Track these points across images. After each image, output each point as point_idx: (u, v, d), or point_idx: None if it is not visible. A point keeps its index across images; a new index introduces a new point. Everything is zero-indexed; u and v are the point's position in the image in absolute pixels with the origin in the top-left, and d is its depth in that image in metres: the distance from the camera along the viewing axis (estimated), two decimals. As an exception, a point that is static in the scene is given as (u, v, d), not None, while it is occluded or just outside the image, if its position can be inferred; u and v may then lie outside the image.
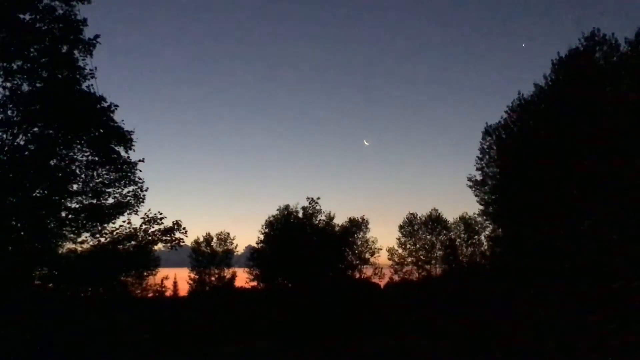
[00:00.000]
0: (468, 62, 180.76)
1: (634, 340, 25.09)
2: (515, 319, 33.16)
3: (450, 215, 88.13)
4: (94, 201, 22.81)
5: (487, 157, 41.16)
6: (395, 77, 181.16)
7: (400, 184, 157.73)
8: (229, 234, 69.55)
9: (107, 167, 22.61)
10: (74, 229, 22.55)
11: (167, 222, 23.70)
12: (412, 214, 64.57)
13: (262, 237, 58.20)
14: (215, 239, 69.33)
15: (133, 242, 23.49)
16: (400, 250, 63.66)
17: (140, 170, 23.22)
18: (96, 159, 22.36)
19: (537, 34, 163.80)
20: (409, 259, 63.62)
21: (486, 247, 57.48)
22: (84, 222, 22.55)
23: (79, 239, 22.89)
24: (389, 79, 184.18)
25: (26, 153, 20.88)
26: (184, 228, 23.84)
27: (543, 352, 29.24)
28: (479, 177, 42.17)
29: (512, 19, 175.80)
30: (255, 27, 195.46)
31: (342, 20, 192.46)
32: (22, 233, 21.50)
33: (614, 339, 25.92)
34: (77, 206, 22.61)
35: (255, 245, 59.56)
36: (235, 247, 69.45)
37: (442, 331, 42.23)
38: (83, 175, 22.44)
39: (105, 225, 23.01)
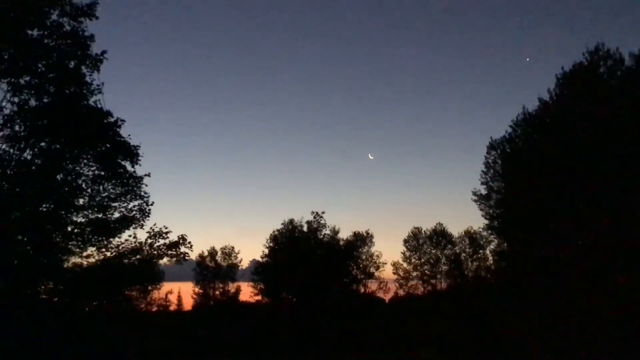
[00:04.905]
0: (473, 77, 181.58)
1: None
2: (521, 334, 32.95)
3: (455, 229, 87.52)
4: (100, 215, 22.83)
5: (492, 171, 41.12)
6: (399, 92, 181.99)
7: (405, 198, 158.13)
8: (233, 248, 69.62)
9: (113, 181, 22.64)
10: (79, 243, 22.57)
11: (173, 237, 23.71)
12: (417, 228, 64.59)
13: (266, 251, 58.30)
14: (219, 253, 69.33)
15: (138, 256, 23.46)
16: (405, 265, 63.63)
17: (146, 185, 23.27)
18: (102, 173, 22.40)
19: (542, 48, 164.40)
20: (414, 274, 63.55)
21: (491, 262, 57.33)
22: (90, 236, 22.57)
23: (85, 253, 22.88)
24: (393, 93, 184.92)
25: (33, 168, 20.97)
26: (189, 242, 23.82)
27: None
28: (483, 191, 42.09)
29: (516, 34, 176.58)
30: (261, 43, 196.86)
31: (346, 34, 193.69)
32: (28, 247, 21.54)
33: (621, 354, 25.76)
34: (83, 220, 22.64)
35: (260, 259, 59.63)
36: (240, 261, 69.46)
37: (448, 346, 41.97)
38: (89, 190, 22.48)
39: (111, 239, 23.01)
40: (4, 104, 20.37)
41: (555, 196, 31.35)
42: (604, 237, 29.61)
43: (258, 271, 59.38)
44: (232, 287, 68.90)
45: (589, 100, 31.18)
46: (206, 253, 68.91)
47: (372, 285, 61.93)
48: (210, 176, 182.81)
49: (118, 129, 22.01)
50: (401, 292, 63.34)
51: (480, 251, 61.59)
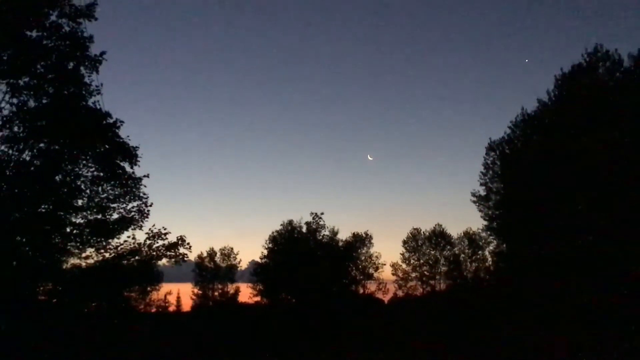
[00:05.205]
0: (472, 78, 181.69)
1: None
2: (520, 335, 32.97)
3: (454, 230, 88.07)
4: (99, 216, 22.83)
5: (490, 172, 41.20)
6: (398, 93, 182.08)
7: (404, 199, 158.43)
8: (232, 249, 69.49)
9: (112, 182, 22.65)
10: (78, 244, 22.57)
11: (172, 237, 23.71)
12: (416, 229, 64.44)
13: (265, 252, 58.18)
14: (218, 254, 69.25)
15: (137, 257, 23.45)
16: (404, 266, 63.48)
17: (145, 186, 23.28)
18: (101, 174, 22.41)
19: (541, 49, 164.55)
20: (413, 275, 63.42)
21: (490, 263, 57.31)
22: (89, 237, 22.56)
23: (84, 254, 22.88)
24: (392, 94, 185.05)
25: (32, 168, 20.97)
26: (188, 243, 23.81)
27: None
28: (482, 192, 42.18)
29: (515, 35, 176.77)
30: (260, 45, 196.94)
31: (345, 37, 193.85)
32: (27, 248, 21.53)
33: (621, 355, 25.76)
34: (82, 221, 22.63)
35: (259, 260, 59.56)
36: (239, 262, 69.38)
37: (447, 348, 41.96)
38: (88, 191, 22.49)
39: (110, 240, 23.01)
40: (3, 104, 20.45)
41: (554, 197, 31.39)
42: (603, 238, 29.64)
43: (257, 272, 59.28)
44: (231, 288, 68.84)
45: (588, 101, 31.23)
46: (205, 254, 68.85)
47: (371, 286, 61.81)
48: (209, 177, 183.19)
49: (117, 130, 22.03)
50: (400, 293, 63.26)
51: (479, 252, 61.50)
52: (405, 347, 44.90)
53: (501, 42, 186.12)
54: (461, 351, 39.51)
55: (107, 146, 22.12)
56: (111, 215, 23.10)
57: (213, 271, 68.48)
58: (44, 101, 20.98)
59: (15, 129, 20.60)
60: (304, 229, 56.22)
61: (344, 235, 61.94)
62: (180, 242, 23.67)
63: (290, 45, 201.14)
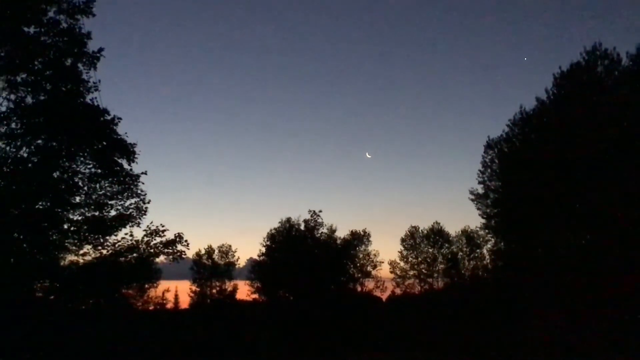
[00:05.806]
0: (470, 76, 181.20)
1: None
2: (517, 333, 33.01)
3: (452, 228, 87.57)
4: (97, 213, 22.84)
5: (489, 170, 41.18)
6: (397, 91, 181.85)
7: (402, 197, 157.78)
8: (230, 246, 69.29)
9: (110, 179, 22.63)
10: (76, 241, 22.55)
11: (169, 235, 23.70)
12: (414, 227, 64.27)
13: (263, 249, 58.17)
14: (217, 252, 69.15)
15: (135, 255, 23.44)
16: (402, 264, 63.31)
17: (143, 183, 23.27)
18: (99, 171, 22.37)
19: (540, 47, 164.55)
20: (411, 272, 63.30)
21: (488, 261, 57.30)
22: (86, 234, 22.56)
23: (81, 251, 22.91)
24: (391, 92, 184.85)
25: (29, 165, 20.94)
26: (185, 240, 23.85)
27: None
28: (481, 191, 42.16)
29: (514, 33, 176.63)
30: (258, 40, 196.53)
31: (344, 34, 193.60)
32: (24, 245, 21.50)
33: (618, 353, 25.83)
34: (80, 218, 22.66)
35: (257, 257, 59.54)
36: (237, 260, 69.27)
37: (444, 346, 42.00)
38: (86, 188, 22.48)
39: (107, 237, 23.01)
40: (0, 101, 20.38)
41: (552, 196, 31.39)
42: (600, 237, 29.66)
43: (255, 270, 59.30)
44: (229, 285, 68.64)
45: (586, 100, 31.23)
46: (203, 251, 68.73)
47: (369, 284, 61.79)
48: (207, 174, 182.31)
49: (114, 127, 21.99)
50: (398, 291, 63.16)
51: (477, 250, 61.37)
52: (403, 345, 44.98)
53: (500, 40, 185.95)
54: (459, 349, 39.61)
55: (104, 143, 22.08)
56: (109, 212, 23.14)
57: (211, 269, 68.32)
58: (42, 98, 20.93)
59: (13, 125, 20.58)
60: (302, 227, 56.20)
61: (342, 233, 61.72)
62: (178, 240, 23.69)
63: (288, 41, 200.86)
